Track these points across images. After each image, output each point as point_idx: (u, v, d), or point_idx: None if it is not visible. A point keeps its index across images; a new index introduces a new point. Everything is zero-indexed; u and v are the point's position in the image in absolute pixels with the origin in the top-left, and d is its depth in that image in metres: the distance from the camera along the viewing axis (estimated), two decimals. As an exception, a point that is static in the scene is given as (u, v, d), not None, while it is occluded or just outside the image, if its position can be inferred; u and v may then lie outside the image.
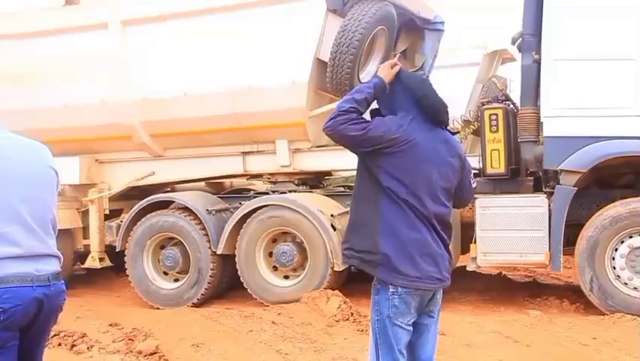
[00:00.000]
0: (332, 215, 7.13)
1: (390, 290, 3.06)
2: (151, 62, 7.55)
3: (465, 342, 5.41)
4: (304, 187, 8.03)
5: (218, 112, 7.39)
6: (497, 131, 6.98)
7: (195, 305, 7.36)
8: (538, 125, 6.76)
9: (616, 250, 6.38)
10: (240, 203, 7.62)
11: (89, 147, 8.28)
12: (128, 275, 7.85)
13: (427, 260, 3.08)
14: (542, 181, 7.04)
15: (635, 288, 6.31)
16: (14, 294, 2.60)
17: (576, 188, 6.49)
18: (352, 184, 9.06)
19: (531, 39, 6.78)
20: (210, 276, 7.42)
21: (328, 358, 5.17)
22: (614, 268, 6.38)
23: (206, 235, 7.44)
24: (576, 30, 6.43)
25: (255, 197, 7.76)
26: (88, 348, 5.41)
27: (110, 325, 6.17)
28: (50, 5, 7.88)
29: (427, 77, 8.14)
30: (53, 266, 2.79)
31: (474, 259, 6.87)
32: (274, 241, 7.44)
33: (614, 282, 6.36)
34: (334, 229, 7.02)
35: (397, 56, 6.83)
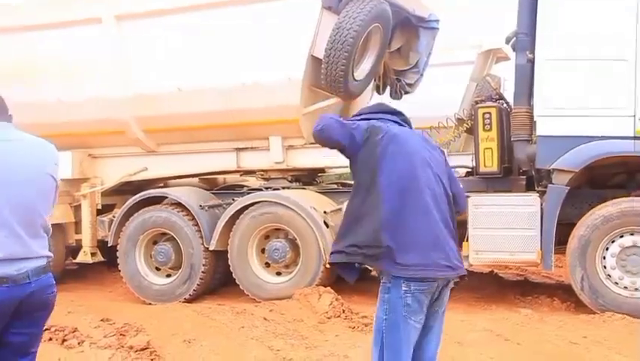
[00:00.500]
0: (325, 212, 7.14)
1: (403, 289, 3.07)
2: (145, 57, 7.54)
3: (456, 340, 5.42)
4: (297, 184, 8.03)
5: (212, 108, 7.38)
6: (490, 129, 7.01)
7: (187, 301, 7.36)
8: (532, 124, 6.78)
9: (607, 249, 6.41)
10: (233, 199, 7.62)
11: (82, 141, 8.25)
12: (120, 270, 7.84)
13: (433, 247, 3.09)
14: (535, 180, 7.07)
15: (625, 287, 6.34)
16: None
17: (568, 187, 6.52)
18: (346, 181, 9.14)
19: (525, 38, 6.80)
20: (202, 272, 7.42)
21: (320, 354, 5.18)
22: (605, 267, 6.41)
23: (199, 230, 7.44)
24: (570, 30, 6.46)
25: (248, 193, 7.77)
26: (79, 343, 5.39)
27: (102, 320, 6.15)
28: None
29: (422, 75, 8.16)
30: (34, 263, 2.83)
31: (466, 257, 6.87)
32: (267, 237, 7.44)
33: (605, 281, 6.39)
34: (327, 225, 7.03)
35: None
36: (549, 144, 6.57)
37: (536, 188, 6.96)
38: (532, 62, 6.70)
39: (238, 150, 7.85)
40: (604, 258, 6.42)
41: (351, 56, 6.62)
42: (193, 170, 8.32)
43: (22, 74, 7.84)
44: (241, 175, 9.26)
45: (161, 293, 7.59)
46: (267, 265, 7.41)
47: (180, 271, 7.56)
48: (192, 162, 8.11)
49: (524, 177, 7.20)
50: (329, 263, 3.49)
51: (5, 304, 2.72)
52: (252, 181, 9.31)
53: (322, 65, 6.70)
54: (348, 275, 3.37)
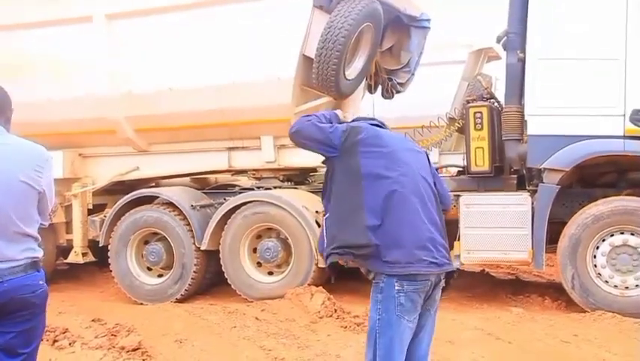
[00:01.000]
0: (317, 211, 7.13)
1: (396, 288, 3.07)
2: (136, 56, 7.49)
3: (447, 339, 5.44)
4: (289, 183, 8.03)
5: (204, 107, 7.35)
6: (482, 129, 7.03)
7: (179, 301, 7.35)
8: (523, 123, 6.80)
9: (597, 248, 6.44)
10: (225, 199, 7.61)
11: (73, 141, 8.21)
12: (111, 270, 7.81)
13: (417, 244, 3.09)
14: (526, 179, 7.09)
15: (615, 286, 6.37)
16: None
17: (559, 186, 6.54)
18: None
19: (516, 38, 6.82)
20: (194, 272, 7.40)
21: (312, 354, 5.18)
22: (596, 266, 6.44)
23: (191, 230, 7.42)
24: (561, 29, 6.48)
25: (239, 193, 7.76)
26: (70, 344, 5.38)
27: (93, 320, 6.14)
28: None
29: (413, 74, 8.17)
30: (8, 264, 2.84)
31: (457, 256, 6.89)
32: (259, 237, 7.44)
33: (595, 280, 6.42)
34: (319, 225, 7.01)
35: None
36: (540, 143, 6.59)
37: (527, 187, 6.98)
38: (523, 61, 6.71)
39: (230, 149, 7.83)
40: (594, 257, 6.45)
41: (343, 56, 6.62)
42: (184, 169, 8.29)
43: (11, 73, 7.77)
44: (233, 175, 9.24)
45: (152, 293, 7.57)
46: (259, 264, 7.40)
47: (172, 271, 7.54)
48: (184, 162, 8.08)
49: (515, 176, 7.23)
50: (325, 265, 3.50)
51: None
52: (244, 181, 9.29)
53: (314, 65, 6.69)
54: (333, 271, 3.44)
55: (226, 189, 8.47)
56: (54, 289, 8.26)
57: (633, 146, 6.28)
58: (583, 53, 6.42)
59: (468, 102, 7.39)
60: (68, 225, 8.36)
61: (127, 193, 7.88)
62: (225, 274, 7.35)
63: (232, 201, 7.40)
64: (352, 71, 7.09)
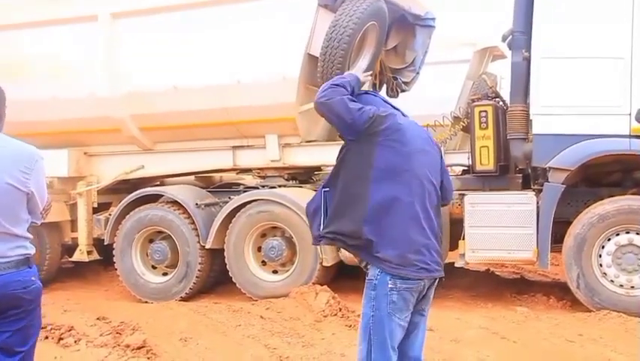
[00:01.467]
0: (321, 210, 7.12)
1: (389, 286, 3.06)
2: (141, 55, 7.51)
3: (452, 338, 5.44)
4: (294, 182, 8.02)
5: (208, 106, 7.37)
6: (487, 128, 7.00)
7: (183, 299, 7.35)
8: (528, 122, 6.78)
9: (603, 247, 6.42)
10: (230, 197, 7.61)
11: (78, 139, 8.23)
12: (116, 269, 7.83)
13: (412, 248, 3.08)
14: (531, 178, 7.08)
15: (621, 285, 6.35)
16: None
17: (564, 185, 6.52)
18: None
19: (521, 37, 6.80)
20: (199, 270, 7.41)
21: (316, 353, 5.18)
22: (601, 265, 6.42)
23: (195, 229, 7.43)
24: (566, 28, 6.46)
25: (244, 191, 7.75)
26: (75, 341, 5.39)
27: (98, 318, 6.15)
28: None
29: (418, 73, 8.16)
30: None
31: (462, 255, 6.89)
32: (263, 235, 7.44)
33: (601, 279, 6.40)
34: (323, 224, 7.01)
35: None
36: (545, 142, 6.57)
37: (532, 186, 6.96)
38: (528, 60, 6.69)
39: (234, 148, 7.83)
40: (600, 256, 6.43)
41: (348, 54, 6.62)
42: (189, 168, 8.29)
43: (16, 72, 7.81)
44: (237, 173, 9.24)
45: (157, 292, 7.58)
46: (264, 263, 7.41)
47: (176, 269, 7.55)
48: (188, 160, 8.09)
49: (520, 175, 7.21)
50: (313, 244, 3.48)
51: None
52: (249, 179, 9.29)
53: (318, 64, 6.69)
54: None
55: (231, 188, 8.47)
56: (59, 287, 8.35)
57: (639, 145, 6.25)
58: (588, 51, 6.40)
59: (473, 101, 7.38)
60: (73, 223, 8.38)
61: (132, 192, 7.89)
62: (230, 273, 7.36)
63: (237, 200, 7.40)
64: (357, 70, 7.06)
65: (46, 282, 8.30)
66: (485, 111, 7.04)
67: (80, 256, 8.26)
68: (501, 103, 7.37)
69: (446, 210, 7.00)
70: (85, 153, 8.40)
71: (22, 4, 7.93)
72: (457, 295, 7.29)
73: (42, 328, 5.46)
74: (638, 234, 6.33)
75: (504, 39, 7.35)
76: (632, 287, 6.31)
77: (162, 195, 7.83)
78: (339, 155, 3.29)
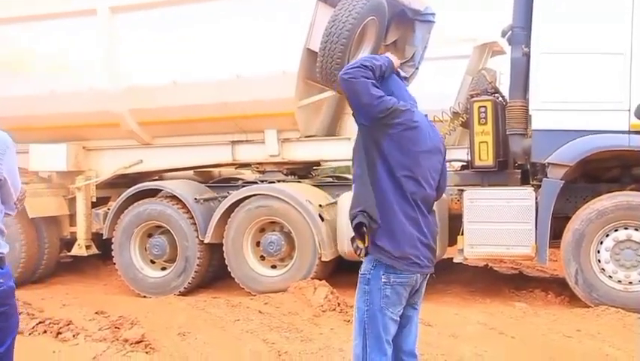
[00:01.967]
0: (320, 205, 7.13)
1: (382, 281, 3.08)
2: (140, 49, 7.50)
3: (450, 333, 5.44)
4: (293, 177, 8.02)
5: (207, 101, 7.36)
6: (486, 123, 7.01)
7: (182, 294, 7.35)
8: (527, 118, 6.77)
9: (601, 243, 6.43)
10: (228, 192, 7.60)
11: (77, 134, 8.22)
12: (114, 263, 7.83)
13: (407, 242, 3.09)
14: (530, 174, 7.08)
15: (619, 281, 6.36)
16: None
17: (563, 181, 6.52)
18: (341, 175, 9.13)
19: (521, 32, 6.79)
20: (197, 265, 7.41)
21: (315, 348, 5.18)
22: (599, 261, 6.43)
23: (194, 223, 7.42)
24: (565, 24, 6.45)
25: (243, 186, 7.75)
26: (74, 336, 5.40)
27: (96, 313, 6.15)
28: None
29: (417, 68, 8.15)
30: None
31: (461, 250, 6.89)
32: (262, 230, 7.44)
33: (599, 275, 6.41)
34: (322, 219, 7.02)
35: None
36: (544, 137, 6.57)
37: (531, 182, 6.97)
38: (527, 55, 6.69)
39: (233, 142, 7.84)
40: (598, 252, 6.44)
41: (347, 49, 6.61)
42: (188, 163, 8.30)
43: (15, 66, 7.80)
44: (236, 168, 9.25)
45: (156, 286, 7.58)
46: (262, 258, 7.41)
47: (175, 264, 7.54)
48: (187, 155, 8.09)
49: (519, 170, 7.22)
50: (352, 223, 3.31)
51: None
52: (248, 174, 9.30)
53: (318, 59, 6.69)
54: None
55: (229, 183, 8.48)
56: (58, 281, 8.36)
57: (638, 141, 6.26)
58: (588, 47, 6.39)
59: (472, 96, 7.38)
60: (72, 217, 8.37)
61: (130, 186, 7.88)
62: (229, 268, 7.36)
63: (236, 195, 7.40)
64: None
65: (44, 276, 8.40)
66: (484, 107, 7.04)
67: (78, 250, 8.26)
68: (500, 98, 7.37)
69: (445, 206, 7.01)
70: (83, 148, 8.39)
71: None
72: (455, 291, 7.29)
73: (41, 322, 5.50)
74: (636, 230, 6.34)
75: (503, 34, 7.33)
76: (630, 283, 6.32)
77: (161, 190, 7.82)
78: (358, 136, 3.26)
